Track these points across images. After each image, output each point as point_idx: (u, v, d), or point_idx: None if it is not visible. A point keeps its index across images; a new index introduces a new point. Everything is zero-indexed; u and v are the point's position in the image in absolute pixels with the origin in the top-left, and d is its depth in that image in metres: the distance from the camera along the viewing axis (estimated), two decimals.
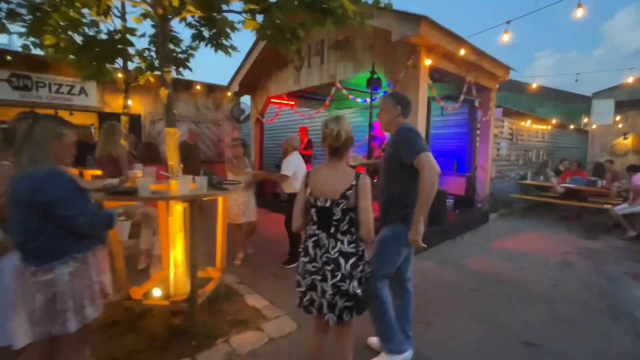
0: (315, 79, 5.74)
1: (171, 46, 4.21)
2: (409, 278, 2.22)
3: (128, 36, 3.89)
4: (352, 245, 1.60)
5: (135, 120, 8.10)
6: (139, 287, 2.55)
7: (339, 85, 5.29)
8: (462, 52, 4.03)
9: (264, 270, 3.70)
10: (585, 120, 10.69)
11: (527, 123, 8.98)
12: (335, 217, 1.58)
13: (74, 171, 4.03)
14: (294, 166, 3.44)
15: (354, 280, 1.58)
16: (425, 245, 1.91)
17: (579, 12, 3.33)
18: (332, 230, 1.60)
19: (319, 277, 1.59)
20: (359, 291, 1.59)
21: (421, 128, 4.30)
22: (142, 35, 3.99)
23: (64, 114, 8.30)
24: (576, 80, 4.91)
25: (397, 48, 4.37)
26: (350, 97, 5.33)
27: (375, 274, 1.97)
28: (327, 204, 1.59)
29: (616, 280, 3.68)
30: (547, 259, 4.32)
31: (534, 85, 5.50)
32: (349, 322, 1.69)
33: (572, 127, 10.72)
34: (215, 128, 9.51)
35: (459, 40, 4.17)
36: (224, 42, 4.17)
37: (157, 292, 2.60)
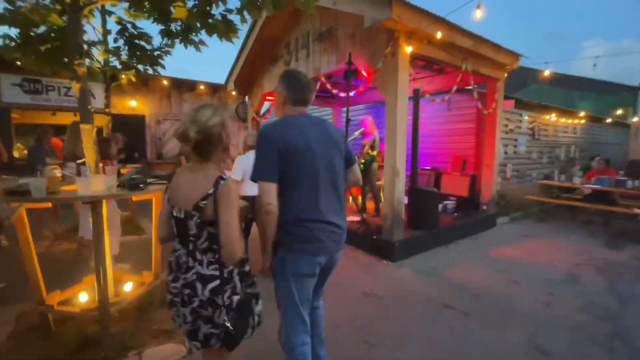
0: None
1: (143, 44, 4.15)
2: (316, 296, 1.74)
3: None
4: (214, 266, 1.31)
5: (139, 120, 8.33)
6: (62, 291, 2.45)
7: (323, 79, 4.98)
8: (439, 34, 3.55)
9: None
10: (619, 112, 9.45)
11: (552, 116, 8.08)
12: (190, 232, 1.31)
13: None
14: (242, 167, 3.21)
15: (219, 309, 1.30)
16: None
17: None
18: (191, 247, 1.32)
19: (179, 300, 1.34)
20: (226, 322, 1.29)
21: (402, 125, 3.88)
22: (108, 33, 3.95)
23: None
24: (594, 65, 4.22)
25: (376, 36, 4.00)
26: (334, 91, 5.00)
27: (286, 327, 1.57)
28: (181, 215, 1.32)
29: (628, 301, 3.07)
30: (551, 271, 3.75)
31: (546, 73, 4.83)
32: (220, 352, 1.42)
33: (609, 120, 9.53)
34: None
35: (441, 22, 3.71)
36: (193, 37, 4.03)
37: (83, 297, 2.50)
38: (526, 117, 7.46)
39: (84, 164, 2.19)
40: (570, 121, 9.02)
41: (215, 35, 3.07)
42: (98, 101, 8.01)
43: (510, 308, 2.91)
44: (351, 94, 4.44)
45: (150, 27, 4.55)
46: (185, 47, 4.09)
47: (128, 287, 2.66)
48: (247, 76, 6.99)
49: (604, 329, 2.60)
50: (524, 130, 7.50)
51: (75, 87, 2.19)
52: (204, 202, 1.27)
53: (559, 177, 6.71)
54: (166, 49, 4.15)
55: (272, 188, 1.40)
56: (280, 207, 1.43)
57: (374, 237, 4.16)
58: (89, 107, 2.21)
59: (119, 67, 4.24)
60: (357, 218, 4.86)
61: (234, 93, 8.61)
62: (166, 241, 1.45)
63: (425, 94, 4.10)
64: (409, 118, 4.18)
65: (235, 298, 1.34)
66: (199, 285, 1.29)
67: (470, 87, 4.72)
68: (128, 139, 5.58)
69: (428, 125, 7.34)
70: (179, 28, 3.79)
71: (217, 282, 1.30)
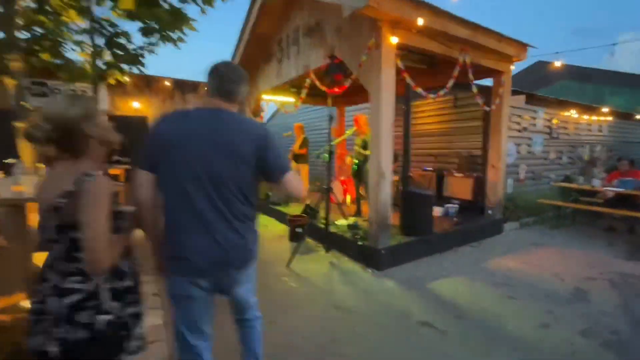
0: (292, 70, 5.26)
1: (123, 41, 4.08)
2: (248, 303, 1.51)
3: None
4: (76, 278, 1.10)
5: (142, 122, 8.40)
6: (8, 297, 2.34)
7: (312, 76, 4.75)
8: (421, 21, 3.21)
9: None
10: None
11: (572, 113, 7.45)
12: (49, 237, 1.12)
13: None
14: None
15: (81, 330, 1.09)
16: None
17: None
18: (51, 254, 1.13)
19: (34, 319, 1.15)
20: (85, 347, 1.09)
21: (387, 123, 3.56)
22: (84, 32, 3.89)
23: None
24: (612, 54, 3.72)
25: (360, 27, 3.72)
26: (324, 88, 4.75)
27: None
28: (41, 218, 1.14)
29: None
30: (556, 286, 3.32)
31: (558, 64, 4.36)
32: None
33: (638, 117, 8.72)
34: None
35: (426, 8, 3.37)
36: (171, 34, 3.92)
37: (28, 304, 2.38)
38: (542, 114, 6.90)
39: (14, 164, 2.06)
40: (595, 118, 8.30)
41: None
42: (102, 103, 8.20)
43: (498, 329, 2.56)
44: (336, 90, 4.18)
45: (131, 26, 4.45)
46: (164, 43, 3.97)
47: None
48: None
49: (609, 358, 2.21)
50: (539, 128, 6.94)
51: (9, 83, 2.08)
52: (62, 201, 1.07)
53: (578, 179, 6.13)
54: (150, 47, 4.05)
55: (139, 176, 1.27)
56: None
57: (360, 243, 3.87)
58: (23, 104, 2.09)
59: (104, 67, 4.18)
60: (346, 222, 4.58)
61: None
62: (45, 249, 1.27)
63: (416, 87, 3.76)
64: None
65: (103, 318, 1.12)
66: (53, 300, 1.09)
67: (475, 82, 4.34)
68: (130, 140, 5.58)
69: (431, 124, 6.94)
70: (156, 25, 3.68)
71: (78, 296, 1.10)
